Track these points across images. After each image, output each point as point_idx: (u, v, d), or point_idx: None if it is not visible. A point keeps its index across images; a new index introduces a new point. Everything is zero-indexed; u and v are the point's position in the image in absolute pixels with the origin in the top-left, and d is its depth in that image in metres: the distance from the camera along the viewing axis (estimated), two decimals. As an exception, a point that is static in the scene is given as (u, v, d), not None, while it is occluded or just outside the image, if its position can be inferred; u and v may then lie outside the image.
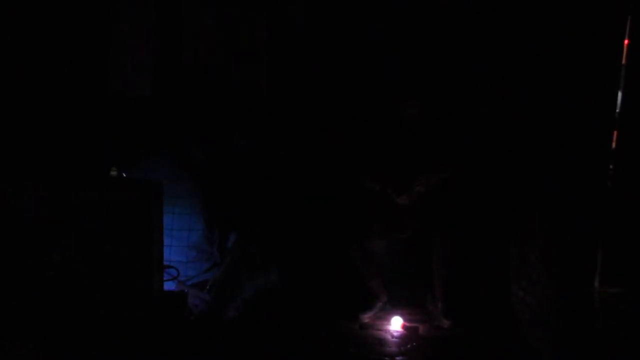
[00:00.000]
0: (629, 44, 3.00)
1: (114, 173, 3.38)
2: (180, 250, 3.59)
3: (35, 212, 2.72)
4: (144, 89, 4.13)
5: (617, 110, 3.05)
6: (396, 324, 3.54)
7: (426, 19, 4.07)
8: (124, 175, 3.42)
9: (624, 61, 3.01)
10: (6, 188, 2.73)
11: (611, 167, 3.13)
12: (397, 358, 3.22)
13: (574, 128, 3.18)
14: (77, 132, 3.75)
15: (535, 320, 3.29)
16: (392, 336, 3.48)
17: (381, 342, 3.41)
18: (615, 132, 3.07)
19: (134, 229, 2.78)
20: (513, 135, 3.68)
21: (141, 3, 4.15)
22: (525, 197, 3.50)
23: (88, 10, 3.93)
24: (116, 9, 4.10)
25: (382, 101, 3.98)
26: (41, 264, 2.73)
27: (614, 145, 3.08)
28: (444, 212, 3.68)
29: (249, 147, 4.03)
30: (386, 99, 3.95)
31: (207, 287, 3.50)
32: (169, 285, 3.33)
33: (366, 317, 3.64)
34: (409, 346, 3.35)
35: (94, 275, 2.75)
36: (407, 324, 3.56)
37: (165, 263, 3.11)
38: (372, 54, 4.15)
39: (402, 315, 3.60)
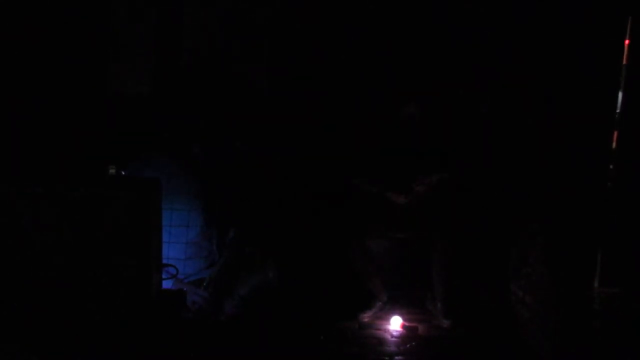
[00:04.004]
0: (629, 44, 3.01)
1: (112, 171, 3.38)
2: (179, 247, 3.57)
3: (33, 211, 2.70)
4: (143, 88, 4.13)
5: (618, 111, 3.05)
6: (396, 324, 3.53)
7: (426, 19, 4.07)
8: (123, 173, 3.42)
9: (624, 61, 3.02)
10: (4, 187, 2.72)
11: (611, 167, 3.13)
12: (397, 358, 3.22)
13: (574, 128, 3.18)
14: (76, 130, 3.75)
15: (534, 320, 3.29)
16: (392, 336, 3.47)
17: (380, 341, 3.41)
18: (615, 133, 3.07)
19: (132, 227, 2.76)
20: (513, 136, 3.68)
21: (141, 3, 4.15)
22: (525, 197, 3.50)
23: (88, 9, 3.93)
24: (116, 8, 4.10)
25: (382, 102, 3.99)
26: (39, 263, 2.71)
27: (614, 145, 3.09)
28: (443, 212, 3.68)
29: (249, 147, 4.03)
30: (386, 100, 3.95)
31: (204, 284, 3.50)
32: (167, 284, 3.32)
33: (365, 317, 3.63)
34: (408, 346, 3.34)
35: (92, 275, 2.74)
36: (406, 324, 3.55)
37: (163, 260, 3.10)
38: (372, 54, 4.16)
39: (401, 314, 3.60)
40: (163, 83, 4.13)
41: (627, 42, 2.99)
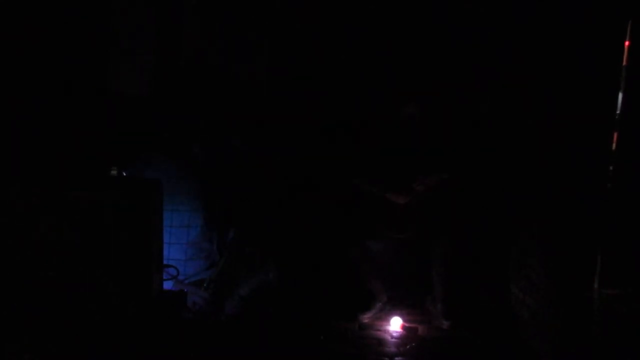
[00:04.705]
0: (629, 46, 3.00)
1: (114, 172, 3.38)
2: (179, 248, 3.58)
3: (34, 212, 2.70)
4: (143, 88, 4.13)
5: (618, 112, 3.05)
6: (395, 325, 3.54)
7: (426, 19, 4.07)
8: (124, 174, 3.42)
9: (624, 62, 3.02)
10: (4, 187, 2.72)
11: (611, 168, 3.13)
12: (397, 358, 3.22)
13: (574, 128, 3.18)
14: (76, 130, 3.75)
15: (534, 321, 3.29)
16: (392, 337, 3.47)
17: (380, 342, 3.41)
18: (615, 134, 3.07)
19: (133, 228, 2.76)
20: (513, 136, 3.68)
21: (141, 3, 4.14)
22: (525, 197, 3.50)
23: (88, 9, 3.93)
24: (116, 8, 4.10)
25: (382, 102, 3.99)
26: (40, 264, 2.71)
27: (614, 146, 3.09)
28: (443, 213, 3.68)
29: (249, 147, 4.03)
30: (386, 100, 3.95)
31: (205, 285, 3.50)
32: (168, 285, 3.32)
33: (365, 318, 3.63)
34: (408, 347, 3.34)
35: (94, 275, 2.74)
36: (406, 325, 3.55)
37: (164, 261, 3.10)
38: (372, 54, 4.16)
39: (401, 315, 3.60)
40: (163, 83, 4.13)
41: (627, 43, 2.99)
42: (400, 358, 3.23)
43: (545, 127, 3.46)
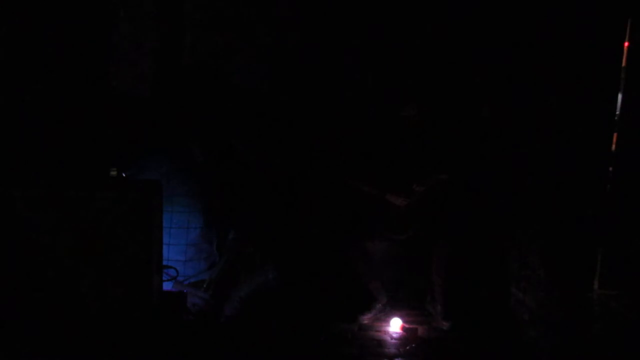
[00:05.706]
0: (629, 47, 3.00)
1: (114, 173, 3.39)
2: (179, 249, 3.58)
3: (34, 212, 2.70)
4: (144, 88, 4.13)
5: (617, 113, 3.05)
6: (395, 325, 3.54)
7: (427, 19, 4.07)
8: (124, 175, 3.42)
9: (624, 63, 3.01)
10: (5, 188, 2.72)
11: (611, 169, 3.12)
12: (396, 359, 3.22)
13: (574, 130, 3.18)
14: (76, 131, 3.75)
15: (534, 322, 3.29)
16: (391, 337, 3.48)
17: (380, 343, 3.41)
18: (615, 135, 3.07)
19: (133, 229, 2.77)
20: (513, 137, 3.68)
21: (141, 3, 4.14)
22: (525, 199, 3.50)
23: (88, 9, 3.93)
24: (116, 8, 4.09)
25: (382, 102, 3.99)
26: (40, 264, 2.71)
27: (613, 147, 3.08)
28: (443, 214, 3.68)
29: (249, 147, 4.03)
30: (386, 100, 3.95)
31: (205, 286, 3.50)
32: (167, 285, 3.33)
33: (365, 319, 3.64)
34: (408, 347, 3.34)
35: (93, 276, 2.74)
36: (406, 325, 3.56)
37: (164, 262, 3.11)
38: (372, 54, 4.16)
39: (401, 316, 3.60)
40: (163, 83, 4.13)
41: (626, 44, 2.98)
42: (400, 359, 3.23)
43: (545, 128, 3.45)
